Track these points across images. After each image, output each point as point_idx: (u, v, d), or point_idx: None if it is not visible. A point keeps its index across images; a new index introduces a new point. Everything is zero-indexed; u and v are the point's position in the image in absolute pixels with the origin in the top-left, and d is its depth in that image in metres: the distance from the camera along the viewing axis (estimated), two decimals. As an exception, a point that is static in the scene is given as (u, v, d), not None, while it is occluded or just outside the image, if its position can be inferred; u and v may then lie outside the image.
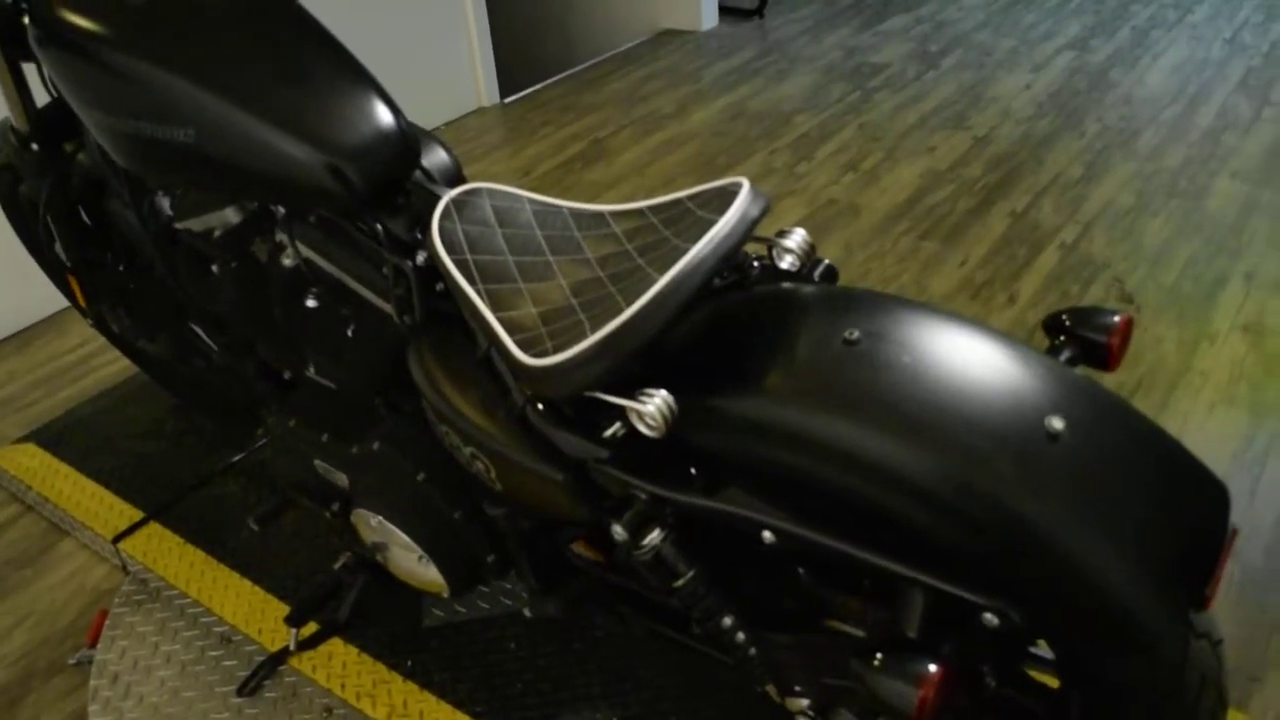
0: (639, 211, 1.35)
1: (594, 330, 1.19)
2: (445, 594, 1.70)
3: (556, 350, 1.20)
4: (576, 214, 1.39)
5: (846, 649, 1.15)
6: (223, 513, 2.29)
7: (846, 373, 1.13)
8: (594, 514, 1.29)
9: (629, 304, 1.19)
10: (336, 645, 1.96)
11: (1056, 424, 1.05)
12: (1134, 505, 1.05)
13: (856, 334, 1.15)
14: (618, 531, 1.24)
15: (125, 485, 2.41)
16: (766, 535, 1.17)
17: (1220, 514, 1.10)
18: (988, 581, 1.07)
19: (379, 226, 1.49)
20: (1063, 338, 1.30)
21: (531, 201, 1.42)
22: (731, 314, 1.27)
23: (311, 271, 1.64)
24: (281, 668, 1.94)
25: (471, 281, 1.31)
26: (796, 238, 1.32)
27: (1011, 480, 1.04)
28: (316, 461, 1.75)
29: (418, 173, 1.55)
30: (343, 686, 1.89)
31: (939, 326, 1.17)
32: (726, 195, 1.27)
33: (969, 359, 1.12)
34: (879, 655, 1.09)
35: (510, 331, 1.25)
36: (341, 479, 1.72)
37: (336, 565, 1.82)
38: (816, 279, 1.38)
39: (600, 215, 1.37)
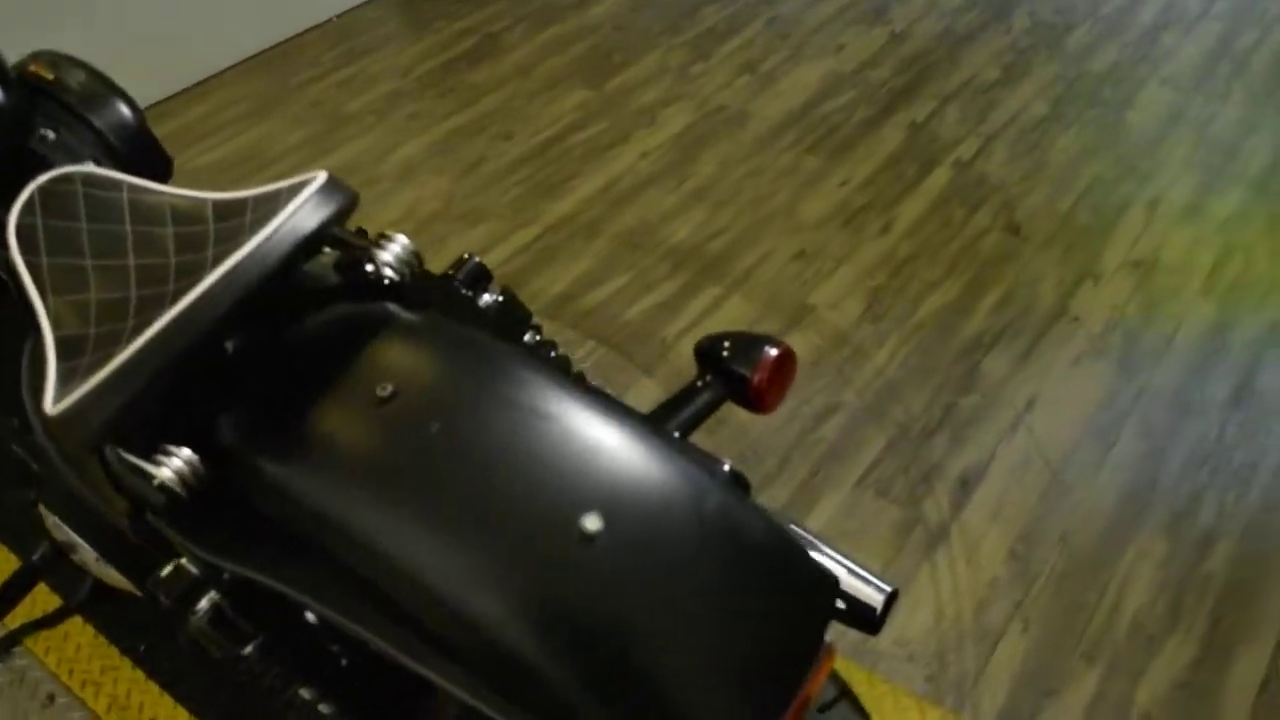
0: (242, 202, 1.14)
1: (106, 365, 0.99)
2: (139, 594, 1.56)
3: (77, 387, 1.00)
4: (176, 207, 1.17)
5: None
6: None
7: (364, 439, 0.95)
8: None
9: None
10: (75, 625, 1.84)
11: (591, 523, 0.86)
12: (675, 623, 0.87)
13: (390, 389, 0.95)
14: (160, 596, 1.07)
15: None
16: (309, 615, 1.01)
17: (815, 622, 0.92)
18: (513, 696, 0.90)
19: None
20: (712, 371, 1.11)
21: (131, 189, 1.20)
22: (298, 343, 1.07)
23: None
24: (17, 649, 1.82)
25: (43, 293, 1.12)
26: (396, 248, 1.10)
27: (518, 591, 0.86)
28: (13, 447, 1.59)
29: (51, 136, 1.35)
30: (70, 673, 1.77)
31: (490, 379, 0.97)
32: (290, 196, 1.06)
33: (511, 430, 0.93)
34: None
35: (63, 356, 1.05)
36: (35, 467, 1.57)
37: (35, 557, 1.67)
38: (462, 279, 1.18)
39: (202, 206, 1.15)
